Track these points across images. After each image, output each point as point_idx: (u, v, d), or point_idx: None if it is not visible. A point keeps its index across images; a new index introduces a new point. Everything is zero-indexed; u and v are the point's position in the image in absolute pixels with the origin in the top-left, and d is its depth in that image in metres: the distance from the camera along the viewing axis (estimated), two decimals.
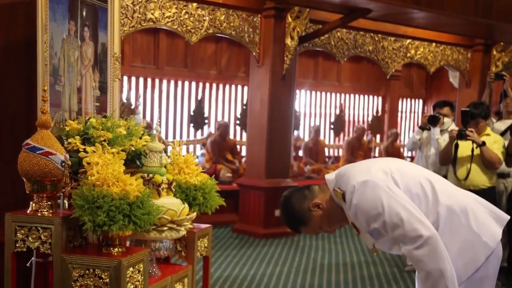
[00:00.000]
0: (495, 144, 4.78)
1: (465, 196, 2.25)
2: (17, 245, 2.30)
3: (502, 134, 5.23)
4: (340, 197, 2.15)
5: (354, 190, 2.09)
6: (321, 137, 10.00)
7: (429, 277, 2.01)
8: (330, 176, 2.26)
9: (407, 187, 2.14)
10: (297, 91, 9.51)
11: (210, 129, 9.15)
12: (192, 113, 9.00)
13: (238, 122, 9.46)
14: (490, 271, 2.17)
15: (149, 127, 4.03)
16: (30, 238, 2.30)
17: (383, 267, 5.51)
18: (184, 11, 5.93)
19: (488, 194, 4.78)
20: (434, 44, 8.41)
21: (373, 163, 2.25)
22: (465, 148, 4.76)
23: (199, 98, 9.10)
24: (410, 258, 2.06)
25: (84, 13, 2.80)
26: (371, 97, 11.32)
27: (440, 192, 2.17)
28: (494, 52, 8.63)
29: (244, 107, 9.14)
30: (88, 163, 2.32)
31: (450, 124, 5.27)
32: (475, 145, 4.69)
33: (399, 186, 2.12)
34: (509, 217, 2.29)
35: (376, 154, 10.58)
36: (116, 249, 2.29)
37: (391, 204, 2.05)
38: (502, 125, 5.52)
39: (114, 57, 3.05)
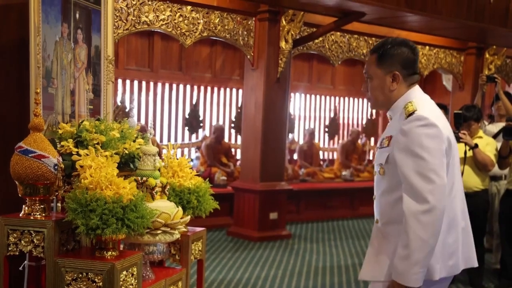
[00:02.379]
0: (487, 146, 4.80)
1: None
2: (10, 248, 2.29)
3: (495, 136, 5.26)
4: (408, 111, 2.13)
5: (422, 119, 2.09)
6: (316, 140, 10.01)
7: (412, 243, 2.02)
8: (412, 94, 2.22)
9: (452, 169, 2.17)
10: (292, 94, 9.52)
11: (204, 132, 9.14)
12: (187, 117, 8.99)
13: (232, 125, 9.46)
14: None
15: (143, 130, 4.02)
16: (22, 241, 2.28)
17: None
18: (178, 14, 5.93)
19: (481, 196, 4.81)
20: (427, 47, 8.45)
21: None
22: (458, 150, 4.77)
23: (193, 101, 9.09)
24: (407, 215, 2.04)
25: (77, 15, 2.79)
26: (365, 100, 11.33)
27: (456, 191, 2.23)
28: (487, 55, 8.68)
29: (239, 110, 9.14)
30: (81, 166, 2.31)
31: None
32: (467, 148, 4.70)
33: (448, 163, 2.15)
34: (459, 272, 2.28)
35: (371, 157, 10.59)
36: (110, 252, 2.28)
37: (436, 162, 2.05)
38: (494, 127, 5.55)
39: (107, 60, 3.04)
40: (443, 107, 5.44)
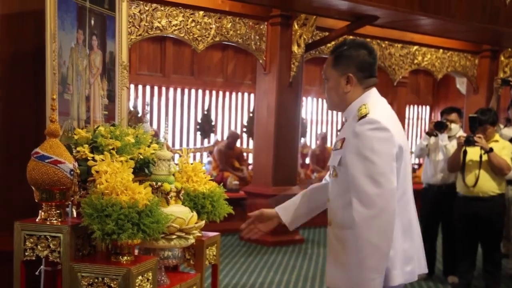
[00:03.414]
0: (503, 150, 4.75)
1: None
2: (26, 253, 2.30)
3: (511, 140, 5.20)
4: (360, 113, 2.11)
5: (373, 122, 2.06)
6: (328, 144, 9.97)
7: (363, 249, 2.00)
8: (367, 98, 2.21)
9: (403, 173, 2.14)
10: (304, 99, 9.50)
11: (216, 137, 9.15)
12: (199, 121, 9.01)
13: (244, 129, 9.46)
14: None
15: (156, 135, 4.04)
16: (39, 246, 2.29)
17: None
18: (190, 19, 5.96)
19: (497, 201, 4.76)
20: (441, 50, 8.40)
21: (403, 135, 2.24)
22: (473, 154, 4.73)
23: (205, 106, 9.12)
24: (356, 220, 2.01)
25: (92, 22, 2.81)
26: None
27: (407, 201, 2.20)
28: (502, 58, 8.60)
29: (251, 115, 9.15)
30: (97, 172, 2.31)
31: (458, 131, 5.25)
32: (483, 152, 4.66)
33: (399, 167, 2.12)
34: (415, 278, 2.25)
35: None
36: (125, 257, 2.28)
37: (385, 166, 2.02)
38: (510, 131, 5.49)
39: (122, 66, 3.05)
40: (457, 110, 5.40)
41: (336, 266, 2.20)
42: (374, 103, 2.17)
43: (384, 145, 2.05)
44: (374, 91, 2.23)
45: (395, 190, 2.03)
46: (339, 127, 10.51)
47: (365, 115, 2.09)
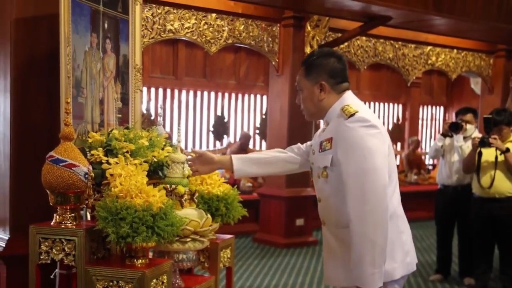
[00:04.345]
0: None
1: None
2: (41, 257, 2.31)
3: None
4: (348, 112, 2.14)
5: (364, 120, 2.11)
6: None
7: (361, 244, 2.03)
8: (346, 100, 2.24)
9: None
10: None
11: (229, 139, 9.15)
12: (213, 123, 9.02)
13: (257, 131, 9.46)
14: None
15: (169, 137, 4.04)
16: (54, 250, 2.30)
17: (408, 276, 5.42)
18: (203, 21, 5.96)
19: None
20: (455, 50, 8.32)
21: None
22: (488, 155, 4.68)
23: (218, 108, 9.13)
24: (352, 217, 2.04)
25: (106, 25, 2.82)
26: (391, 104, 11.23)
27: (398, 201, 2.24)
28: None
29: (264, 117, 9.14)
30: (111, 175, 2.32)
31: (474, 131, 5.19)
32: (499, 152, 4.61)
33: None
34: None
35: (397, 162, 10.47)
36: (140, 260, 2.28)
37: (378, 162, 2.06)
38: None
39: (135, 69, 3.06)
40: (472, 111, 5.34)
41: (334, 263, 2.24)
42: (357, 103, 2.23)
43: (376, 142, 2.10)
44: (350, 93, 2.28)
45: (387, 185, 2.08)
46: None
47: (354, 114, 2.14)
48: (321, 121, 2.36)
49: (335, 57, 2.26)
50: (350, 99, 2.24)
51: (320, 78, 2.24)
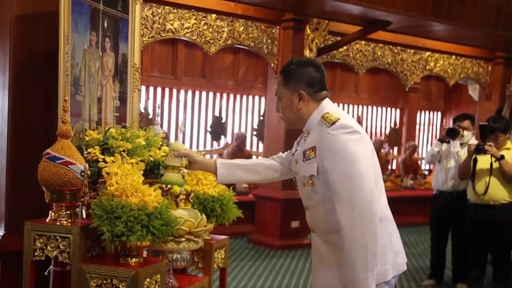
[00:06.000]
0: None
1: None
2: (36, 253, 2.31)
3: None
4: (330, 119, 2.15)
5: (347, 127, 2.12)
6: None
7: (352, 249, 2.04)
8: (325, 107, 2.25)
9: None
10: None
11: (226, 139, 9.16)
12: (211, 124, 9.03)
13: (255, 132, 9.46)
14: None
15: (166, 137, 4.05)
16: (48, 247, 2.30)
17: (400, 281, 5.44)
18: (203, 22, 5.97)
19: (509, 209, 4.72)
20: (453, 56, 8.35)
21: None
22: (484, 162, 4.70)
23: (216, 108, 9.14)
24: (341, 222, 2.05)
25: (105, 24, 2.83)
26: (389, 109, 11.25)
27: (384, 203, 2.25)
28: None
29: (261, 118, 9.15)
30: (107, 173, 2.32)
31: (471, 138, 5.21)
32: (493, 159, 4.63)
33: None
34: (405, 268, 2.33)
35: (394, 167, 10.48)
36: (134, 259, 2.29)
37: (364, 167, 2.07)
38: None
39: (134, 68, 3.07)
40: (470, 117, 5.35)
41: (330, 272, 2.23)
42: (336, 111, 2.24)
43: (360, 147, 2.11)
44: (328, 101, 2.29)
45: (374, 189, 2.09)
46: None
47: (336, 121, 2.15)
48: None
49: (314, 66, 2.27)
50: (328, 106, 2.26)
51: (299, 88, 2.24)
